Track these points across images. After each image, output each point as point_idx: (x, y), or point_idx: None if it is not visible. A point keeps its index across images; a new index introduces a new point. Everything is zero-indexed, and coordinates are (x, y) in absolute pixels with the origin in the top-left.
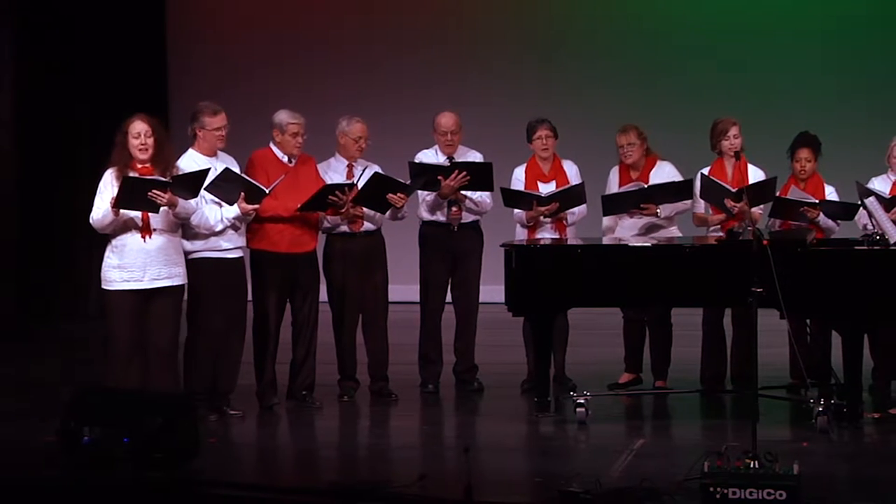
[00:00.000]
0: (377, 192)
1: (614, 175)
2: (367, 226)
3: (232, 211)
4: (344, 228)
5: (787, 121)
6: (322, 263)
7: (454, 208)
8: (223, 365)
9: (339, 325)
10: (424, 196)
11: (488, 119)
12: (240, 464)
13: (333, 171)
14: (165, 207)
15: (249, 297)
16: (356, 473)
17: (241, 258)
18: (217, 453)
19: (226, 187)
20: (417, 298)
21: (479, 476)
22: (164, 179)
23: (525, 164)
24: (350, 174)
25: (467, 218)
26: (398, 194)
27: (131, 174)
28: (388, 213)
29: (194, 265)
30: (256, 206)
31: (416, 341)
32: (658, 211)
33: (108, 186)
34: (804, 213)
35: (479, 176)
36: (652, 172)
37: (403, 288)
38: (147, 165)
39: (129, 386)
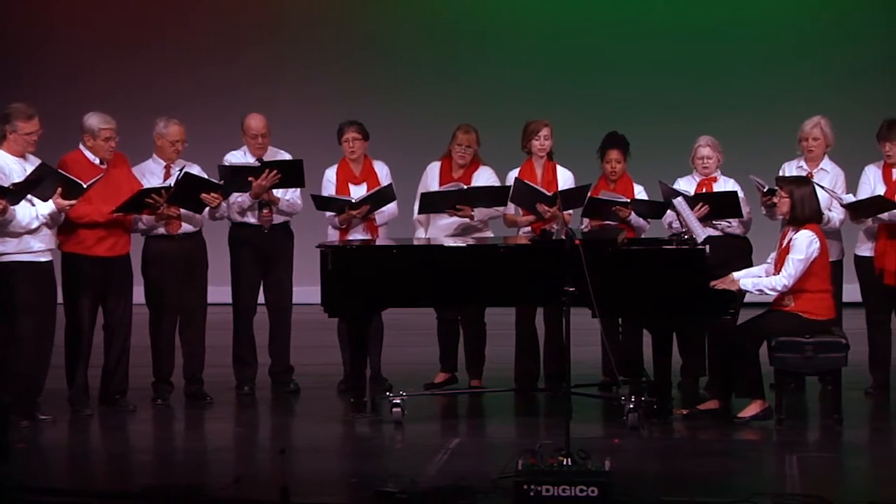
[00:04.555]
0: (190, 192)
1: (434, 170)
2: (186, 227)
3: (46, 207)
4: (161, 230)
5: (596, 122)
6: (140, 265)
7: (265, 210)
8: (34, 370)
9: (156, 328)
10: (235, 198)
11: (299, 120)
12: (51, 469)
13: (150, 173)
14: None
15: (59, 300)
16: (170, 477)
17: (52, 261)
18: (27, 459)
19: (41, 183)
20: (230, 300)
21: (296, 477)
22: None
23: (336, 166)
24: (168, 175)
25: (278, 219)
26: (212, 194)
27: None
28: (205, 212)
29: (4, 269)
30: (73, 201)
31: (230, 343)
32: (473, 213)
33: None
34: (616, 213)
35: (290, 173)
36: (474, 175)
37: (216, 289)
38: None
39: None
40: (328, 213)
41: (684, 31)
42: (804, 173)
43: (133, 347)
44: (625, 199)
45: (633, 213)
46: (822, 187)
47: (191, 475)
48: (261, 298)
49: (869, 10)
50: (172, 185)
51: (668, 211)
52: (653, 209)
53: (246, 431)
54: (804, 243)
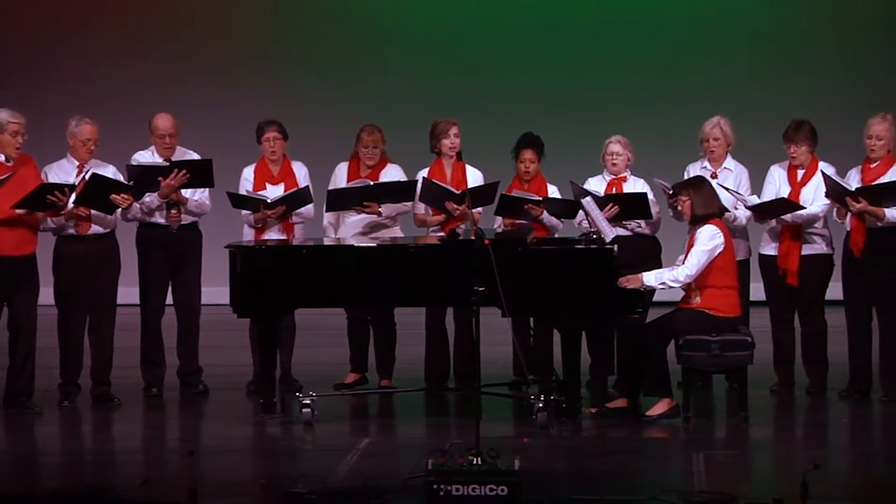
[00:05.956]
0: (99, 193)
1: (342, 170)
2: (97, 228)
3: None
4: (71, 231)
5: (506, 122)
6: (52, 265)
7: (173, 210)
8: None
9: (64, 328)
10: (143, 198)
11: (210, 120)
12: None
13: (64, 173)
14: None
15: None
16: (78, 479)
17: None
18: None
19: None
20: (138, 301)
21: (204, 479)
22: None
23: (254, 165)
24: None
25: (186, 219)
26: (122, 195)
27: None
28: (117, 213)
29: None
30: None
31: (139, 344)
32: (380, 210)
33: None
34: (529, 211)
35: (199, 173)
36: (381, 173)
37: (126, 290)
38: None
39: None
40: (243, 212)
41: (596, 30)
42: (708, 174)
43: (39, 349)
44: (537, 198)
45: (545, 212)
46: (727, 189)
47: (98, 477)
48: (169, 299)
49: (775, 9)
50: (76, 183)
51: (580, 211)
52: (566, 209)
53: (154, 433)
54: (707, 236)
